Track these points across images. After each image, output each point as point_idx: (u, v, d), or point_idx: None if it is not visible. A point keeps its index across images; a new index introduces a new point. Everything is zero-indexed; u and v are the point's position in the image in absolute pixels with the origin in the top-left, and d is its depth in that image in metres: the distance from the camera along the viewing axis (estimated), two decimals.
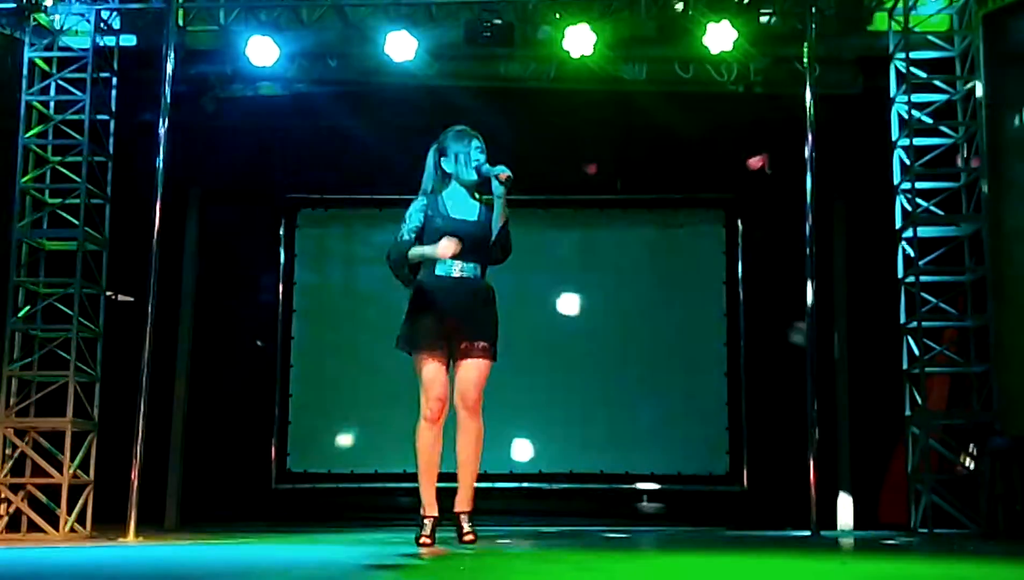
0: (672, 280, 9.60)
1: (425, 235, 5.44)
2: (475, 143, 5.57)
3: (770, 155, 8.78)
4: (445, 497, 5.51)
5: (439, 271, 5.42)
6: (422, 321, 5.40)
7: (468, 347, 5.40)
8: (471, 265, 5.43)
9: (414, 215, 5.50)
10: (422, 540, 5.33)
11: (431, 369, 5.39)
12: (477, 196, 5.58)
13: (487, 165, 5.48)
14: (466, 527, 5.40)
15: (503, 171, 5.37)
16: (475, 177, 5.50)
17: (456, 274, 5.41)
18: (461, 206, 5.50)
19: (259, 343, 9.62)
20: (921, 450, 7.59)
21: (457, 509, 5.44)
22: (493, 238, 5.44)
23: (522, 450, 9.17)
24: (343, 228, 9.87)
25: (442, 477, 5.50)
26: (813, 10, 7.66)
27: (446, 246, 5.28)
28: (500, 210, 5.45)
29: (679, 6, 7.86)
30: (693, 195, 9.63)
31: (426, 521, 5.38)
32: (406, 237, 5.48)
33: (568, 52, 7.85)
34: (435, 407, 5.38)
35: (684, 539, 6.77)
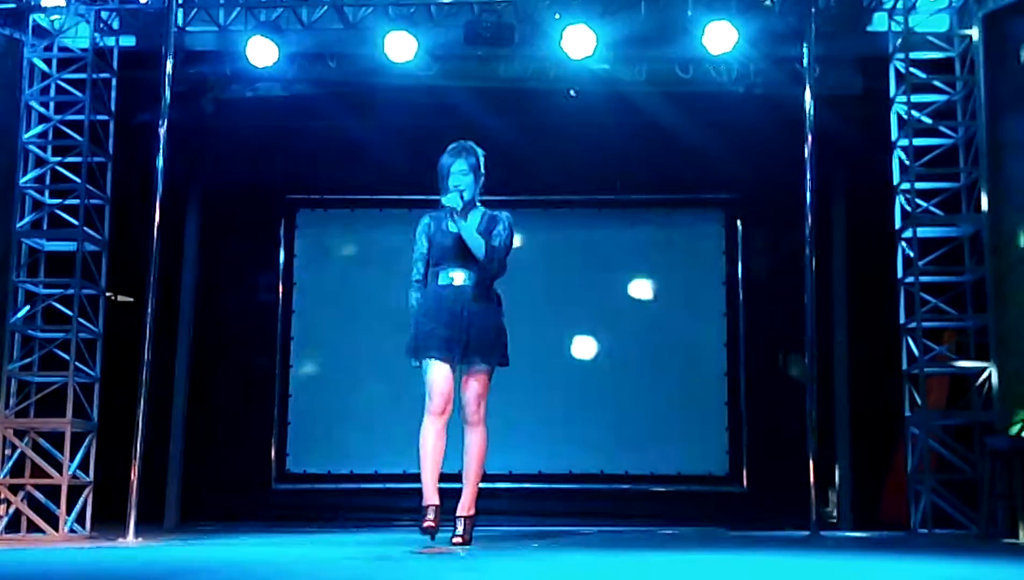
0: (672, 280, 9.59)
1: (433, 248, 5.70)
2: (459, 165, 5.70)
3: (770, 156, 8.75)
4: (450, 498, 5.64)
5: (441, 281, 5.65)
6: (425, 330, 5.61)
7: (468, 359, 5.61)
8: (472, 273, 5.62)
9: (418, 240, 5.78)
10: (426, 525, 5.49)
11: (435, 371, 5.59)
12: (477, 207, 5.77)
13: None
14: (459, 530, 5.58)
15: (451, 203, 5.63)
16: (457, 204, 5.64)
17: (457, 283, 5.63)
18: (463, 226, 5.64)
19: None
20: (921, 450, 7.58)
21: (457, 512, 5.63)
22: (484, 258, 5.60)
23: (522, 451, 9.16)
24: (343, 228, 9.86)
25: (448, 478, 5.64)
26: (813, 10, 7.67)
27: None
28: (469, 242, 5.60)
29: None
30: (693, 196, 9.64)
31: (427, 509, 5.51)
32: (413, 286, 5.75)
33: (568, 52, 7.86)
34: (438, 403, 5.57)
35: (684, 539, 6.77)
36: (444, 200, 5.64)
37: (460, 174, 5.67)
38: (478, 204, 5.77)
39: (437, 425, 5.58)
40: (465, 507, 5.64)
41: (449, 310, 5.57)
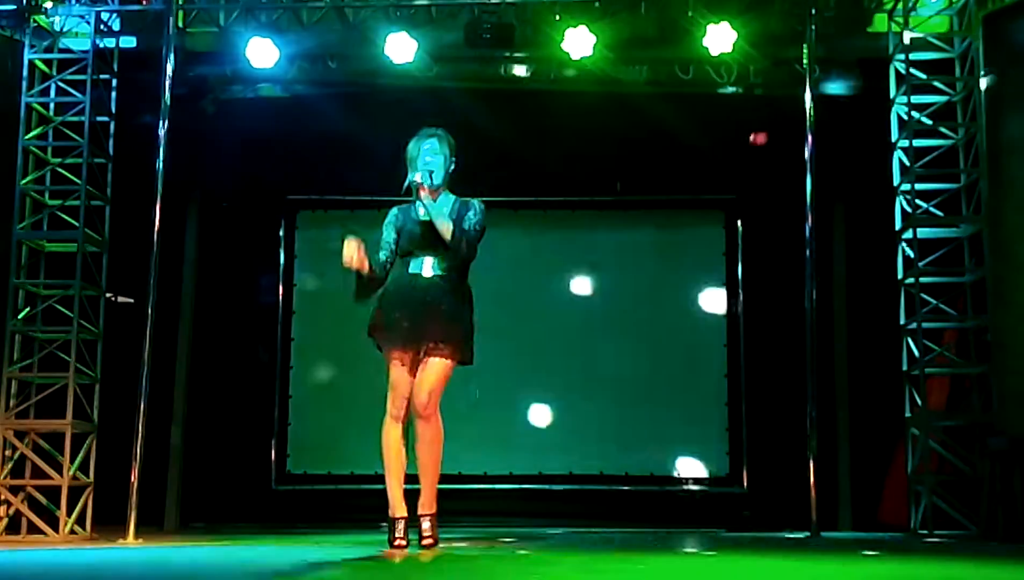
0: (672, 280, 9.59)
1: (403, 238, 5.50)
2: (426, 145, 5.50)
3: (770, 156, 8.77)
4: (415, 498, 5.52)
5: (412, 269, 5.42)
6: (392, 318, 5.36)
7: (430, 348, 5.32)
8: (444, 264, 5.39)
9: (385, 230, 5.62)
10: (396, 543, 5.34)
11: (398, 368, 5.38)
12: (446, 195, 5.53)
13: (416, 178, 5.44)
14: (425, 531, 5.36)
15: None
16: (426, 180, 5.42)
17: (427, 273, 5.39)
18: (431, 206, 5.41)
19: (262, 353, 9.59)
20: (921, 451, 7.58)
21: (419, 512, 5.40)
22: (451, 238, 5.33)
23: (522, 452, 9.15)
24: (343, 229, 9.81)
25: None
26: (813, 12, 7.67)
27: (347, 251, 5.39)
28: (436, 221, 5.37)
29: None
30: (693, 196, 9.64)
31: (396, 523, 5.38)
32: (377, 261, 5.51)
33: (568, 53, 7.86)
34: (400, 405, 5.39)
35: (684, 540, 6.77)
36: (412, 176, 5.44)
37: (431, 153, 5.45)
38: (448, 192, 5.55)
39: (398, 430, 5.41)
40: (426, 505, 5.39)
41: (420, 301, 5.31)
